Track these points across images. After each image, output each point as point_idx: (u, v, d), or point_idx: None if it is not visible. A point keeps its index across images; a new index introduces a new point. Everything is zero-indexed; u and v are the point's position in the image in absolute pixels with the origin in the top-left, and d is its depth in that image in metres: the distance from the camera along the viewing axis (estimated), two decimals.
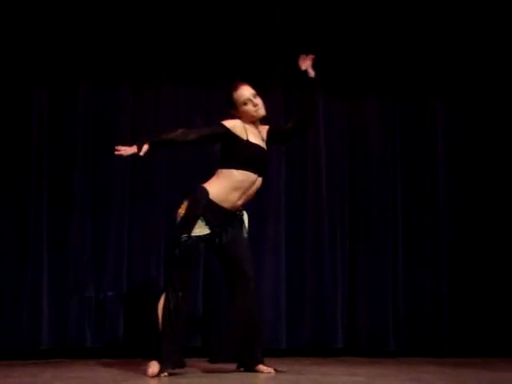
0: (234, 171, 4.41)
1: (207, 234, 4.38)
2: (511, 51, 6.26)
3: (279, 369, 4.51)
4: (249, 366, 4.47)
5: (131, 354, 5.46)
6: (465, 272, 6.08)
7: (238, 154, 4.42)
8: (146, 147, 4.26)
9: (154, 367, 4.28)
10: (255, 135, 4.52)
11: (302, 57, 4.65)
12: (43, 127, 5.68)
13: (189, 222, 4.34)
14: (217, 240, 4.46)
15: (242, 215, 4.55)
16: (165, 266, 5.42)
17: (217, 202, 4.38)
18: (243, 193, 4.43)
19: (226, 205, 4.40)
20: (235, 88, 4.53)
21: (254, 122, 4.56)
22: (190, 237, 4.32)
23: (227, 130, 4.43)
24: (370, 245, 6.02)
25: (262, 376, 4.34)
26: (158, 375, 4.24)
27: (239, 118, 4.53)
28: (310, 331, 5.85)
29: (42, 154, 5.65)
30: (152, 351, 4.34)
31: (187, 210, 4.36)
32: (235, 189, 4.41)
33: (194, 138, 4.41)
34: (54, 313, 5.53)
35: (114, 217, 5.73)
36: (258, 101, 4.52)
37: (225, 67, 5.97)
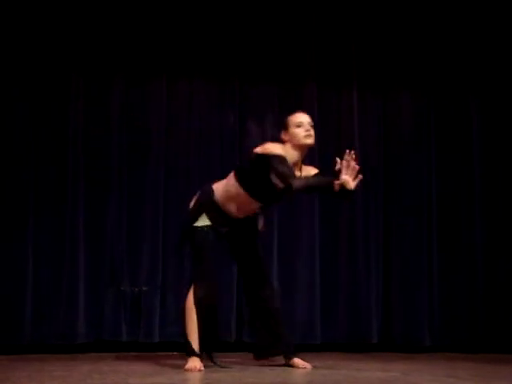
0: (241, 190, 4.38)
1: (209, 226, 4.39)
2: None
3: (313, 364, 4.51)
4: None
5: (166, 349, 5.50)
6: (500, 268, 6.02)
7: (255, 182, 4.37)
8: None
9: (192, 362, 4.28)
10: None
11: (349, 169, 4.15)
12: (79, 121, 5.72)
13: (193, 216, 4.44)
14: (224, 237, 4.48)
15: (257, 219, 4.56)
16: None
17: (220, 204, 4.42)
18: (239, 208, 4.42)
19: (226, 210, 4.43)
20: (294, 113, 4.47)
21: (299, 154, 4.39)
22: (192, 228, 4.40)
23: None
24: (404, 240, 6.00)
25: (296, 371, 4.33)
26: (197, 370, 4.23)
27: (286, 142, 4.39)
28: (344, 327, 5.85)
29: (77, 146, 5.69)
30: (187, 348, 4.34)
31: (194, 204, 4.49)
32: (233, 200, 4.40)
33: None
34: (90, 307, 5.58)
35: (150, 207, 5.76)
36: (312, 131, 4.39)
37: (258, 62, 5.98)
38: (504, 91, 6.18)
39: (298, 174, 4.38)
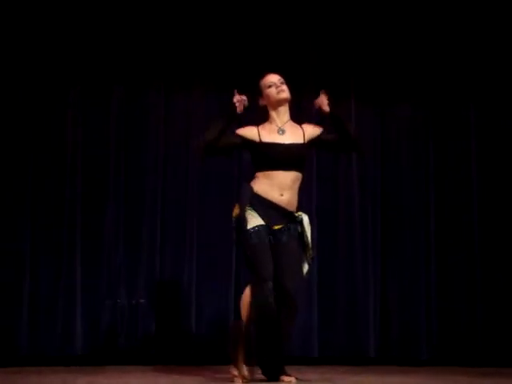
0: (260, 173, 4.41)
1: (262, 225, 4.30)
2: None
3: (300, 377, 4.45)
4: (272, 376, 4.35)
5: (164, 361, 5.49)
6: (499, 281, 6.01)
7: (256, 157, 4.45)
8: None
9: (236, 370, 4.25)
10: (274, 133, 4.45)
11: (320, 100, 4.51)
12: (77, 131, 5.74)
13: (241, 217, 4.33)
14: (271, 239, 4.36)
15: (301, 219, 4.45)
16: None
17: (261, 194, 4.37)
18: (281, 188, 4.37)
19: (272, 199, 4.37)
20: (263, 76, 4.58)
21: (281, 112, 4.49)
22: (246, 231, 4.29)
23: (240, 137, 4.45)
24: (401, 253, 6.00)
25: None
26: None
27: (265, 105, 4.51)
28: (342, 340, 5.84)
29: (76, 158, 5.72)
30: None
31: (238, 208, 4.38)
32: (270, 185, 4.37)
33: (222, 144, 4.43)
34: (87, 319, 5.57)
35: (147, 220, 5.77)
36: (283, 86, 4.50)
37: (257, 72, 5.96)
38: (503, 102, 6.19)
39: (296, 131, 4.49)
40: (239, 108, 4.42)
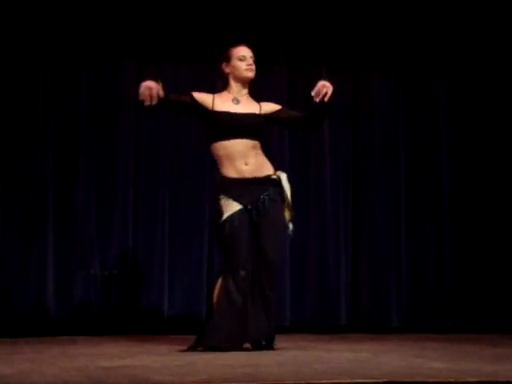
0: (215, 145, 4.37)
1: (236, 211, 4.29)
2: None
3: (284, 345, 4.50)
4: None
5: (137, 331, 5.51)
6: (468, 249, 6.11)
7: (209, 127, 4.40)
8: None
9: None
10: (228, 102, 4.42)
11: (319, 86, 4.31)
12: (49, 102, 5.72)
13: (216, 205, 4.34)
14: (253, 214, 4.34)
15: (279, 180, 4.41)
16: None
17: (228, 175, 4.34)
18: (240, 157, 4.33)
19: (237, 175, 4.32)
20: (236, 45, 4.50)
21: (241, 86, 4.45)
22: (222, 219, 4.29)
23: (193, 99, 4.39)
24: (373, 220, 6.07)
25: (268, 353, 4.31)
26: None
27: (227, 74, 4.45)
28: (313, 309, 5.90)
29: (47, 129, 5.69)
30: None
31: (212, 198, 4.47)
32: (228, 158, 4.33)
33: (172, 99, 4.39)
34: (60, 289, 5.58)
35: (119, 191, 5.78)
36: (253, 65, 4.45)
37: (228, 44, 5.95)
38: (470, 71, 6.26)
39: (253, 105, 4.45)
40: (147, 102, 4.25)
